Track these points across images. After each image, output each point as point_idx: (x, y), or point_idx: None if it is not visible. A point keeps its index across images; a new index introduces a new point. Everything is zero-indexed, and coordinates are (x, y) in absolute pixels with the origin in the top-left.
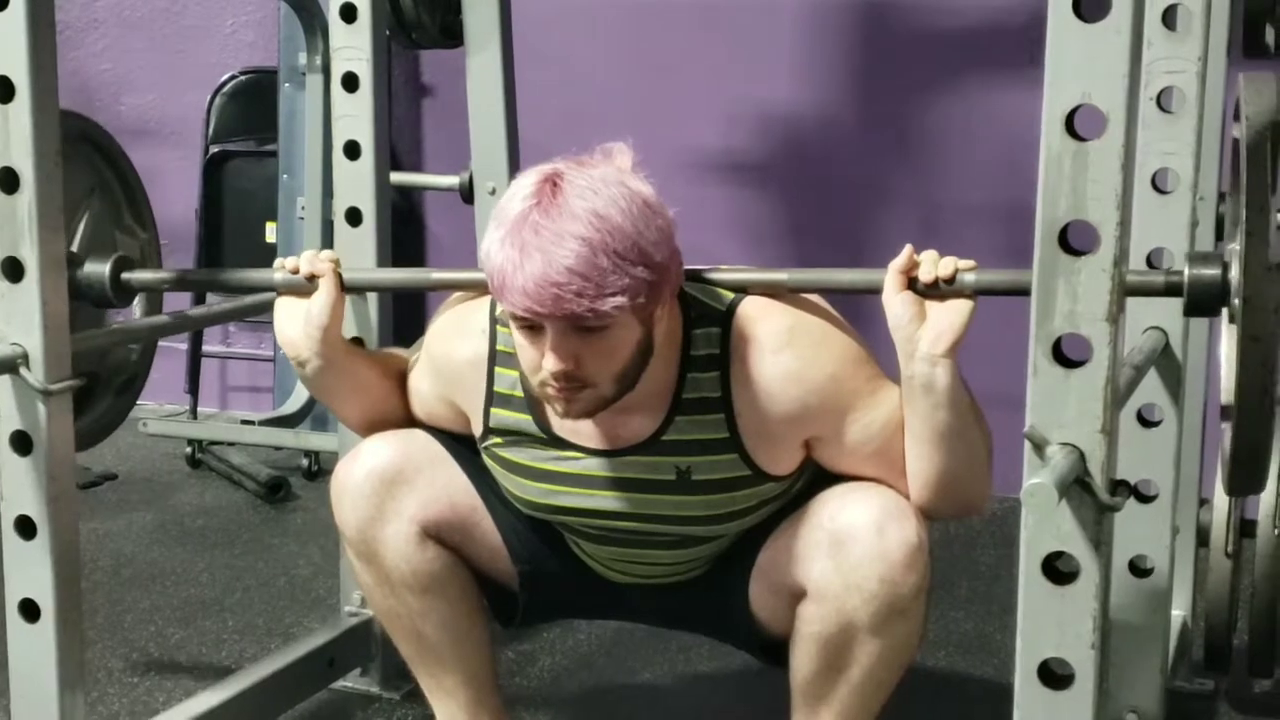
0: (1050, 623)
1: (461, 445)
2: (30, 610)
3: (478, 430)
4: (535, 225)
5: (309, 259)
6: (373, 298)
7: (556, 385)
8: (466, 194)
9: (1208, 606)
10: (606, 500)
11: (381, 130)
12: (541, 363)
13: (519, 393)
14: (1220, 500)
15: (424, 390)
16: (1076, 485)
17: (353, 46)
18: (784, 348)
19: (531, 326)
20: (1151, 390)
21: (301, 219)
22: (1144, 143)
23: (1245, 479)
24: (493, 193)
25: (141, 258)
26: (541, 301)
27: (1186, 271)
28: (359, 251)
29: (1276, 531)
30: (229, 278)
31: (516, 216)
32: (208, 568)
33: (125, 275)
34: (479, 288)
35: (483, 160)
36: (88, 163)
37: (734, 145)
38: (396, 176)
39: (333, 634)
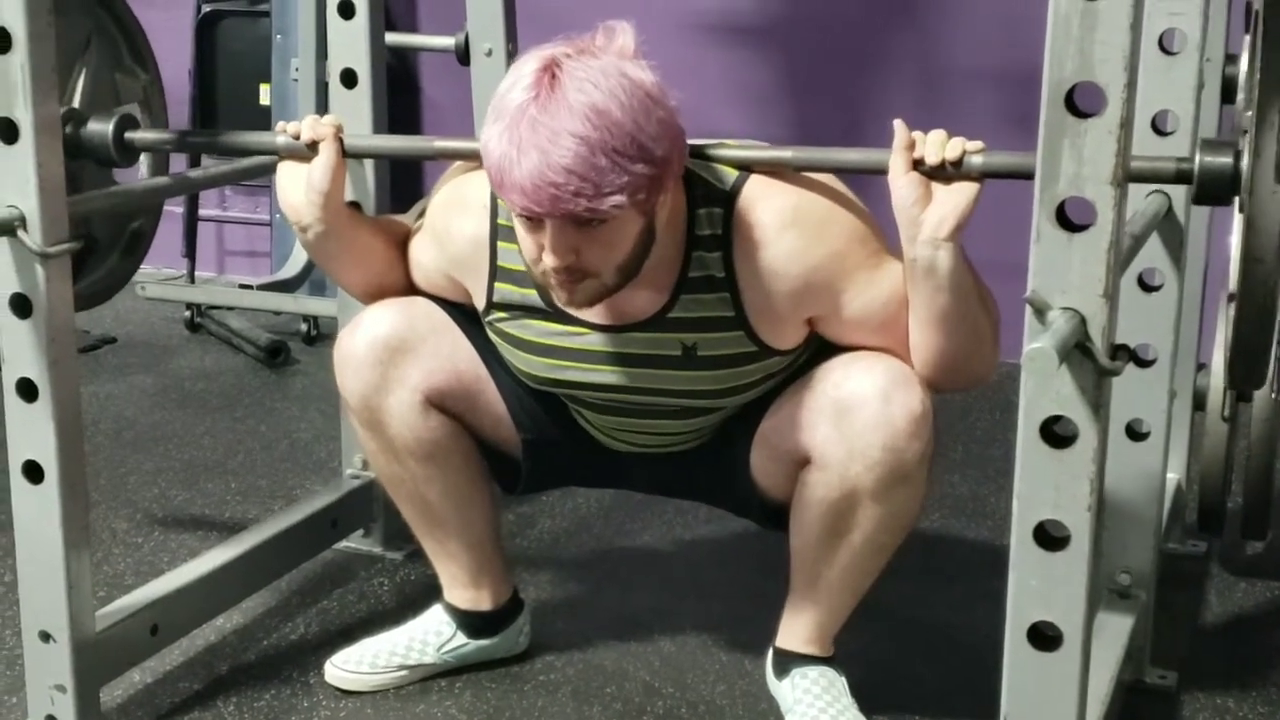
0: (1047, 485)
1: (464, 313)
2: (34, 471)
3: (481, 305)
4: (533, 121)
5: (310, 124)
6: (369, 163)
7: (558, 276)
8: (462, 55)
9: (1203, 470)
10: (611, 375)
11: None
12: (541, 255)
13: (523, 267)
14: (1218, 364)
15: (425, 262)
16: (1077, 349)
17: None
18: (787, 226)
19: (531, 218)
20: (1153, 255)
21: (296, 81)
22: (1151, 2)
23: (1244, 378)
24: (489, 54)
25: (145, 98)
26: (539, 201)
27: (1198, 159)
28: (355, 114)
29: (1274, 395)
30: (232, 140)
31: (515, 110)
32: (209, 431)
33: (129, 135)
34: (481, 158)
35: (479, 20)
36: (82, 10)
37: (734, 6)
38: (391, 37)
39: (335, 496)
